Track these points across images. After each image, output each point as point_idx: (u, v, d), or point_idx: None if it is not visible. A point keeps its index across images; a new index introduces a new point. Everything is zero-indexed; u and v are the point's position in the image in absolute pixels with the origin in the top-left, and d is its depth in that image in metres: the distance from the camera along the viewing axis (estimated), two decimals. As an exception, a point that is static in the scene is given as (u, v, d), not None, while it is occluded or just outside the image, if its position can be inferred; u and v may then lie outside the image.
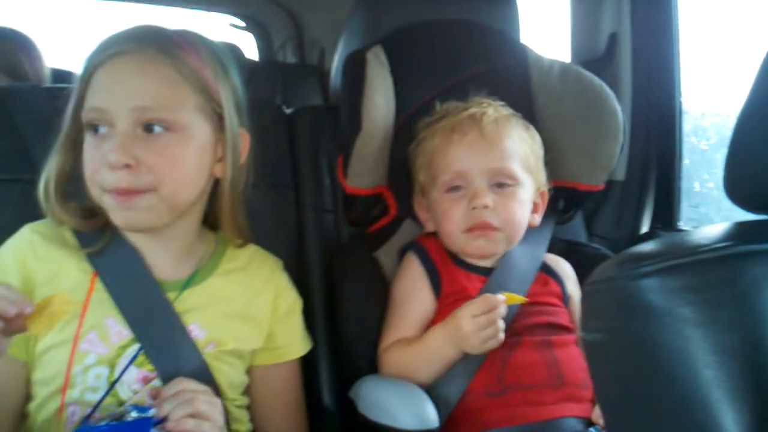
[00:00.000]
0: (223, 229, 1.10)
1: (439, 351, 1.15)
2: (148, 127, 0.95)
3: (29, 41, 1.96)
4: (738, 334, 0.50)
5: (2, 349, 0.83)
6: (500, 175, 1.21)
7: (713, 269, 0.52)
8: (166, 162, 0.96)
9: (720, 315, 0.50)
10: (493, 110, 1.26)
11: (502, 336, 1.10)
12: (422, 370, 1.16)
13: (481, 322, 1.09)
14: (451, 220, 1.22)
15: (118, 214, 0.97)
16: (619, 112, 1.37)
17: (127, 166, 0.93)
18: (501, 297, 1.11)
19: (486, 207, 1.19)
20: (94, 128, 0.97)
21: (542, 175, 1.30)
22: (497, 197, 1.20)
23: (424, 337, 1.17)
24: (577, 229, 1.56)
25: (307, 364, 1.23)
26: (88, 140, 0.98)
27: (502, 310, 1.11)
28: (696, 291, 0.51)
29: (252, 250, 1.16)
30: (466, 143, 1.22)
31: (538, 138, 1.31)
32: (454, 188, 1.23)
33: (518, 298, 1.15)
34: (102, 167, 0.95)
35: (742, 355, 0.50)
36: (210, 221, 1.13)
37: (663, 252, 0.54)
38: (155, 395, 0.94)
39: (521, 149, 1.24)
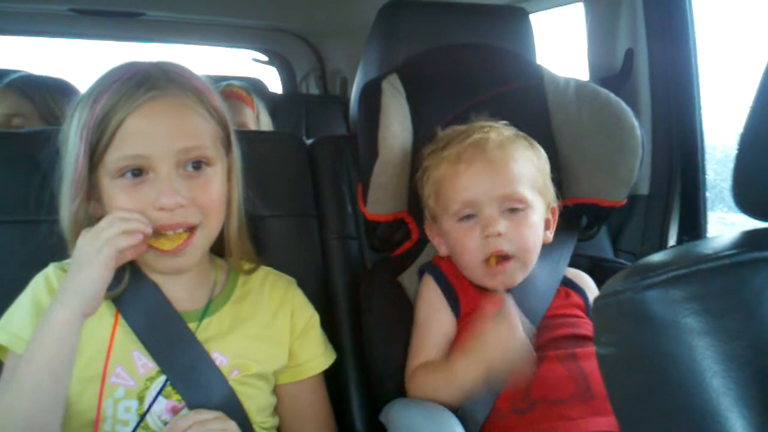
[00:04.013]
0: (231, 255, 1.12)
1: (468, 377, 1.10)
2: (187, 166, 0.99)
3: (74, 90, 1.87)
4: (743, 342, 0.50)
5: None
6: (511, 200, 1.20)
7: (716, 278, 0.52)
8: (208, 196, 1.01)
9: (725, 323, 0.51)
10: (497, 134, 1.25)
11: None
12: (450, 395, 1.14)
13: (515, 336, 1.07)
14: (467, 251, 1.21)
15: (165, 262, 1.02)
16: (637, 126, 1.37)
17: (181, 206, 0.97)
18: (510, 302, 1.09)
19: (499, 235, 1.18)
20: (126, 173, 0.98)
21: (551, 192, 1.29)
22: (509, 223, 1.19)
23: (451, 364, 1.14)
24: (602, 244, 1.55)
25: (337, 388, 1.24)
26: (120, 185, 0.98)
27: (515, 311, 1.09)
28: (700, 300, 0.51)
29: (264, 272, 1.18)
30: (473, 172, 1.21)
31: (542, 154, 1.30)
32: (466, 217, 1.22)
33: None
34: (148, 209, 0.97)
35: (749, 363, 0.50)
36: (216, 249, 1.14)
37: (666, 263, 0.54)
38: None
39: (528, 171, 1.23)
